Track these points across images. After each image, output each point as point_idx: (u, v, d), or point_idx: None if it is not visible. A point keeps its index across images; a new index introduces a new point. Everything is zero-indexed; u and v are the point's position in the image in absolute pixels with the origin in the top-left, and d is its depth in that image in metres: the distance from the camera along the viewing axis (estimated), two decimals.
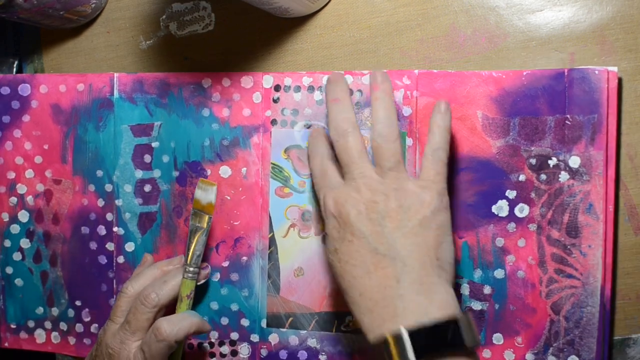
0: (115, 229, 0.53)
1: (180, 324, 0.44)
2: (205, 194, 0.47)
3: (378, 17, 0.49)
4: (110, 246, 0.53)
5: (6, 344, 0.56)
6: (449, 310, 0.36)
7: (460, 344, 0.36)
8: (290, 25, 0.51)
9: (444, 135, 0.41)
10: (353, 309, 0.39)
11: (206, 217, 0.47)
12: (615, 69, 0.43)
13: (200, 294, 0.51)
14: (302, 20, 0.51)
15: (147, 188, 0.52)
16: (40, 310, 0.55)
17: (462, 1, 0.48)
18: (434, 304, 0.36)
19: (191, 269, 0.47)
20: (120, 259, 0.53)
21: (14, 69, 0.59)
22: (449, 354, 0.35)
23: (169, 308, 0.47)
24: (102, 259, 0.53)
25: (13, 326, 0.55)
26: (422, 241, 0.38)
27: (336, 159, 0.43)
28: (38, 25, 0.55)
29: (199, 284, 0.48)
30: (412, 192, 0.39)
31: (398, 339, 0.35)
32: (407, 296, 0.37)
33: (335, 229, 0.40)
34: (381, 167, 0.40)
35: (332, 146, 0.44)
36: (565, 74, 0.44)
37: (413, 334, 0.35)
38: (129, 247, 0.53)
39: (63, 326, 0.54)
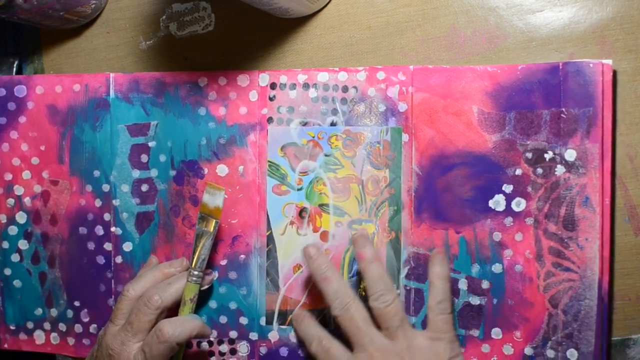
0: (112, 229, 0.53)
1: (182, 326, 0.44)
2: (212, 198, 0.47)
3: (378, 18, 0.49)
4: (108, 246, 0.53)
5: (6, 346, 0.56)
6: None
7: None
8: (290, 25, 0.51)
9: (446, 285, 0.43)
10: None
11: (213, 222, 0.47)
12: (609, 61, 0.43)
13: (203, 297, 0.51)
14: (302, 21, 0.51)
15: (145, 188, 0.52)
16: (39, 311, 0.55)
17: (462, 2, 0.48)
18: None
19: (195, 272, 0.47)
20: (118, 259, 0.53)
21: (14, 70, 0.59)
22: None
23: (172, 311, 0.47)
24: (100, 259, 0.53)
25: (12, 327, 0.55)
26: None
27: (333, 335, 0.45)
28: (38, 26, 0.55)
29: (202, 288, 0.48)
30: (424, 347, 0.41)
31: None
32: None
33: None
34: (388, 330, 0.42)
35: (320, 324, 0.46)
36: (560, 67, 0.44)
37: None
38: (127, 247, 0.53)
39: (62, 327, 0.54)
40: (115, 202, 0.53)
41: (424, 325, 0.46)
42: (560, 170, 0.44)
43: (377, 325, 0.43)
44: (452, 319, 0.43)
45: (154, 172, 0.52)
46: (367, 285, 0.44)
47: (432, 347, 0.41)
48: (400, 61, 0.49)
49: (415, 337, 0.42)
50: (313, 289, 0.49)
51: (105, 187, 0.53)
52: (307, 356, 0.49)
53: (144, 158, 0.52)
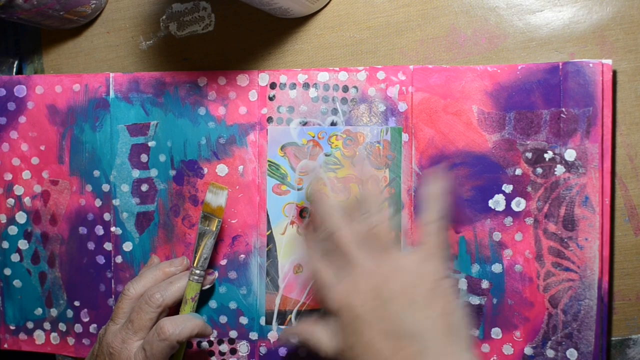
0: (112, 229, 0.53)
1: (183, 324, 0.44)
2: (215, 197, 0.47)
3: (378, 18, 0.49)
4: (108, 246, 0.53)
5: (6, 346, 0.56)
6: None
7: None
8: (290, 25, 0.51)
9: (441, 205, 0.42)
10: None
11: (216, 221, 0.47)
12: (609, 61, 0.43)
13: (204, 297, 0.51)
14: (302, 21, 0.51)
15: (144, 187, 0.52)
16: (39, 311, 0.55)
17: (462, 2, 0.48)
18: None
19: (197, 271, 0.47)
20: (118, 259, 0.53)
21: (14, 70, 0.59)
22: None
23: (173, 310, 0.48)
24: (100, 259, 0.53)
25: (12, 327, 0.55)
26: (433, 313, 0.38)
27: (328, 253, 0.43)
28: (38, 26, 0.55)
29: (204, 288, 0.48)
30: (411, 268, 0.39)
31: None
32: None
33: (344, 326, 0.40)
34: (375, 251, 0.41)
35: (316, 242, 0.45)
36: (560, 67, 0.44)
37: None
38: (127, 246, 0.53)
39: (62, 327, 0.54)
40: (115, 202, 0.53)
41: None
42: (560, 170, 0.44)
43: (366, 246, 0.41)
44: (443, 239, 0.41)
45: (153, 172, 0.52)
46: (359, 204, 0.43)
47: (420, 268, 0.39)
48: (400, 61, 0.49)
49: (402, 258, 0.40)
50: (313, 289, 0.49)
51: (105, 187, 0.53)
52: (307, 356, 0.49)
53: (144, 158, 0.52)
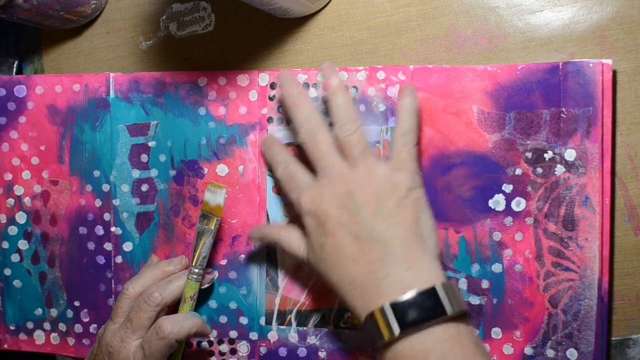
0: (113, 229, 0.53)
1: (182, 323, 0.45)
2: (214, 196, 0.47)
3: (378, 18, 0.49)
4: (108, 246, 0.53)
5: (6, 346, 0.56)
6: (432, 282, 0.37)
7: (445, 311, 0.36)
8: (290, 25, 0.51)
9: (413, 118, 0.43)
10: (346, 300, 0.40)
11: (214, 220, 0.47)
12: (609, 61, 0.43)
13: (203, 297, 0.51)
14: (302, 21, 0.51)
15: (145, 187, 0.52)
16: (39, 311, 0.55)
17: (462, 2, 0.48)
18: (418, 278, 0.38)
19: (196, 270, 0.47)
20: (118, 259, 0.53)
21: (14, 70, 0.59)
22: (434, 322, 0.36)
23: (172, 309, 0.48)
24: (100, 259, 0.53)
25: (12, 328, 0.55)
26: (401, 220, 0.40)
27: (300, 160, 0.45)
28: (38, 26, 0.55)
29: (203, 287, 0.48)
30: (384, 176, 0.41)
31: (383, 313, 0.37)
32: (393, 275, 0.38)
33: (315, 227, 0.41)
34: (350, 158, 0.42)
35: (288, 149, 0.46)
36: (560, 67, 0.44)
37: (396, 306, 0.36)
38: (127, 246, 0.53)
39: (62, 327, 0.54)
40: (115, 202, 0.53)
41: None
42: (560, 170, 0.44)
43: (342, 154, 0.43)
44: (415, 152, 0.42)
45: (154, 172, 0.52)
46: (331, 114, 0.43)
47: (392, 177, 0.41)
48: (400, 61, 0.49)
49: (376, 166, 0.41)
50: (312, 289, 0.49)
51: (105, 187, 0.53)
52: (307, 356, 0.49)
53: (144, 158, 0.52)
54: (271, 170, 0.47)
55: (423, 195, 0.42)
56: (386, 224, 0.39)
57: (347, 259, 0.39)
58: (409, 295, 0.37)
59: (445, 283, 0.38)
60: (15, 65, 0.59)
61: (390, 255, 0.38)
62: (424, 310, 0.36)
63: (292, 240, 0.44)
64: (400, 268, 0.38)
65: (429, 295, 0.37)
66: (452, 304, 0.37)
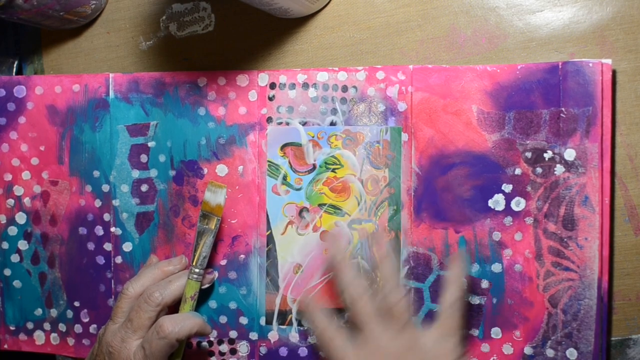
0: (112, 229, 0.53)
1: (182, 323, 0.45)
2: (214, 196, 0.47)
3: (378, 18, 0.49)
4: (108, 246, 0.53)
5: (6, 346, 0.56)
6: None
7: None
8: (290, 25, 0.51)
9: (461, 287, 0.43)
10: None
11: (215, 219, 0.47)
12: (609, 61, 0.43)
13: (203, 296, 0.51)
14: (302, 21, 0.51)
15: (144, 188, 0.52)
16: (39, 311, 0.55)
17: (462, 2, 0.48)
18: None
19: (197, 270, 0.47)
20: (118, 259, 0.53)
21: (14, 70, 0.59)
22: None
23: (172, 309, 0.48)
24: (100, 260, 0.53)
25: (12, 328, 0.55)
26: None
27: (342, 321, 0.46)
28: (38, 26, 0.55)
29: (203, 287, 0.48)
30: (430, 346, 0.41)
31: None
32: None
33: None
34: (395, 327, 0.42)
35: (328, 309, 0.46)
36: (560, 67, 0.44)
37: None
38: (127, 247, 0.53)
39: (62, 327, 0.54)
40: (115, 202, 0.53)
41: (423, 325, 0.46)
42: (559, 169, 0.44)
43: (385, 320, 0.43)
44: (461, 321, 0.43)
45: (153, 172, 0.52)
46: (380, 278, 0.44)
47: (436, 347, 0.41)
48: (400, 61, 0.49)
49: (421, 336, 0.42)
50: (313, 289, 0.49)
51: (105, 188, 0.53)
52: (308, 356, 0.49)
53: (144, 158, 0.52)
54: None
55: None
56: None
57: None
58: None
59: None
60: (15, 66, 0.59)
61: None
62: None
63: None
64: None
65: None
66: None
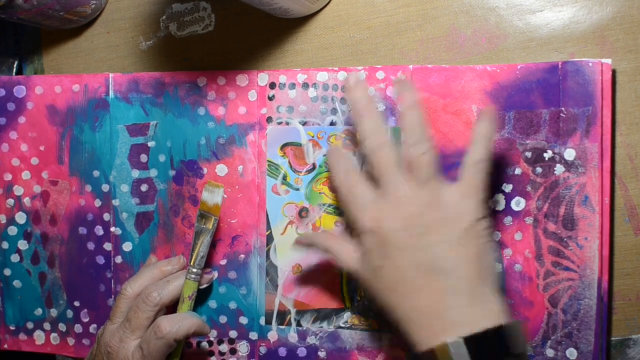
0: (112, 229, 0.53)
1: (180, 323, 0.45)
2: (211, 195, 0.47)
3: (378, 18, 0.49)
4: (107, 246, 0.53)
5: (6, 346, 0.56)
6: (498, 319, 0.36)
7: (510, 351, 0.36)
8: (290, 25, 0.51)
9: (488, 146, 0.40)
10: (401, 325, 0.38)
11: (212, 219, 0.47)
12: (609, 61, 0.43)
13: (202, 296, 0.51)
14: (302, 21, 0.51)
15: (144, 188, 0.52)
16: (39, 311, 0.55)
17: (462, 2, 0.48)
18: (484, 314, 0.37)
19: (194, 270, 0.47)
20: (118, 259, 0.53)
21: (14, 70, 0.59)
22: None
23: (170, 309, 0.48)
24: (100, 259, 0.53)
25: (12, 328, 0.55)
26: (467, 252, 0.38)
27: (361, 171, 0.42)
28: (38, 26, 0.55)
29: (201, 287, 0.48)
30: (452, 203, 0.39)
31: (452, 348, 0.35)
32: (458, 308, 0.37)
33: (375, 247, 0.39)
34: (417, 179, 0.39)
35: (354, 158, 0.43)
36: (559, 66, 0.44)
37: (463, 342, 0.35)
38: (127, 247, 0.53)
39: (62, 327, 0.54)
40: (115, 202, 0.53)
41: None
42: (559, 169, 0.44)
43: (408, 172, 0.40)
44: (485, 182, 0.39)
45: (153, 172, 0.52)
46: (403, 130, 0.40)
47: (459, 205, 0.38)
48: (400, 61, 0.49)
49: (445, 191, 0.39)
50: (313, 289, 0.49)
51: (105, 187, 0.53)
52: (307, 356, 0.49)
53: (144, 158, 0.52)
54: (330, 179, 0.44)
55: (489, 226, 0.39)
56: (452, 254, 0.37)
57: (407, 285, 0.38)
58: (479, 332, 0.35)
59: (514, 322, 0.37)
60: (15, 66, 0.59)
61: (454, 288, 0.37)
62: (493, 349, 0.35)
63: (344, 253, 0.42)
64: (465, 302, 0.37)
65: (499, 334, 0.36)
66: (518, 344, 0.36)
